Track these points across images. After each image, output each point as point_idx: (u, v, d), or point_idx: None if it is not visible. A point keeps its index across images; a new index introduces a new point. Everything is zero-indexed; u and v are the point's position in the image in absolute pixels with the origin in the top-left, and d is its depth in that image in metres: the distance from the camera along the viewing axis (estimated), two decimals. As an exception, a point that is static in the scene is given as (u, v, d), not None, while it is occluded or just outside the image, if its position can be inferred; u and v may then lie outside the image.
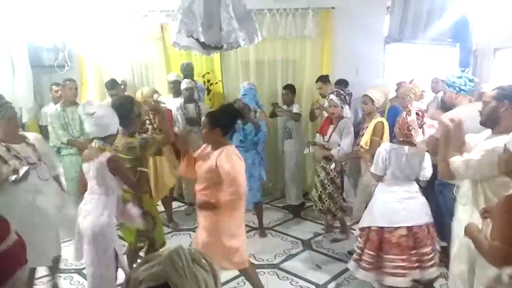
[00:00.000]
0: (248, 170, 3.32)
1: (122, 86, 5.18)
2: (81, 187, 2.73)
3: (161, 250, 0.90)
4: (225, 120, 2.74)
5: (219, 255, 2.68)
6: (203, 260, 0.89)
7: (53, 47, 5.33)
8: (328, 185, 3.97)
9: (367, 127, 3.76)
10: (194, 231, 4.43)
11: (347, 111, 4.10)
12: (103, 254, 2.53)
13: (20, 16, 4.91)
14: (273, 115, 4.98)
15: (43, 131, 4.89)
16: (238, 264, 2.87)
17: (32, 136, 3.04)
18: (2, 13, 4.79)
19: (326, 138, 3.95)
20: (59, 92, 4.81)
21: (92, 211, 2.52)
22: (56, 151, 4.47)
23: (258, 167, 4.27)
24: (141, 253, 3.26)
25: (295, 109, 4.90)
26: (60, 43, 5.32)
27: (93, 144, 2.58)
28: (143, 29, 5.41)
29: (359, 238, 3.10)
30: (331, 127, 3.96)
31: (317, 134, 4.15)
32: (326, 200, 4.00)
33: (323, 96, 4.67)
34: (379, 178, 3.02)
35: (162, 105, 3.79)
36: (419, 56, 6.15)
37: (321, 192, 4.03)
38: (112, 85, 4.93)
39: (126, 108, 2.89)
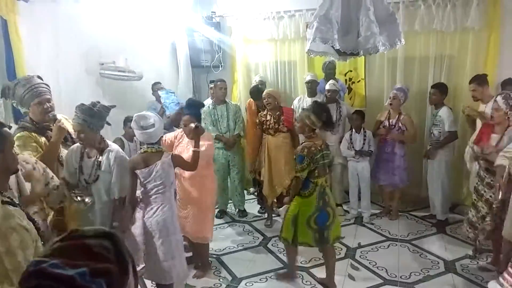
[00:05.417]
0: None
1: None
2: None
3: None
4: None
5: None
6: None
7: (210, 49, 5.89)
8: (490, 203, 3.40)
9: None
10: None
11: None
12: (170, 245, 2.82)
13: (183, 19, 5.57)
14: None
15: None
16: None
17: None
18: (168, 17, 5.50)
19: (487, 149, 3.39)
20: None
21: (158, 207, 2.81)
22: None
23: None
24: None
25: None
26: (215, 46, 5.85)
27: (147, 150, 2.78)
28: (289, 28, 5.54)
29: None
30: (494, 137, 3.41)
31: (473, 146, 3.60)
32: (484, 219, 3.45)
33: (476, 100, 4.13)
34: None
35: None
36: None
37: (478, 207, 3.52)
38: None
39: None
